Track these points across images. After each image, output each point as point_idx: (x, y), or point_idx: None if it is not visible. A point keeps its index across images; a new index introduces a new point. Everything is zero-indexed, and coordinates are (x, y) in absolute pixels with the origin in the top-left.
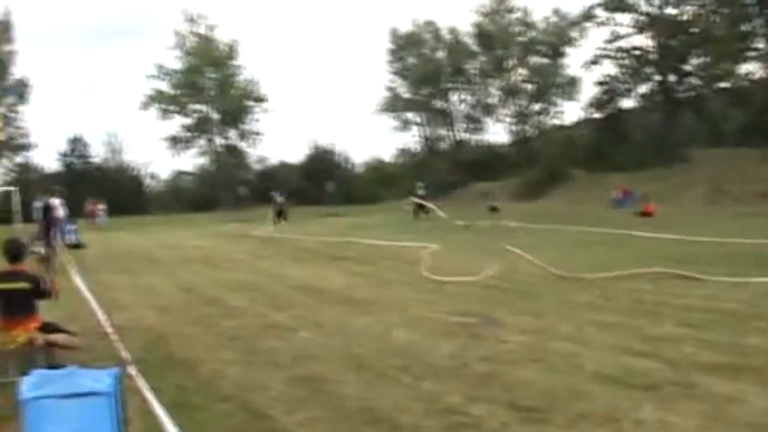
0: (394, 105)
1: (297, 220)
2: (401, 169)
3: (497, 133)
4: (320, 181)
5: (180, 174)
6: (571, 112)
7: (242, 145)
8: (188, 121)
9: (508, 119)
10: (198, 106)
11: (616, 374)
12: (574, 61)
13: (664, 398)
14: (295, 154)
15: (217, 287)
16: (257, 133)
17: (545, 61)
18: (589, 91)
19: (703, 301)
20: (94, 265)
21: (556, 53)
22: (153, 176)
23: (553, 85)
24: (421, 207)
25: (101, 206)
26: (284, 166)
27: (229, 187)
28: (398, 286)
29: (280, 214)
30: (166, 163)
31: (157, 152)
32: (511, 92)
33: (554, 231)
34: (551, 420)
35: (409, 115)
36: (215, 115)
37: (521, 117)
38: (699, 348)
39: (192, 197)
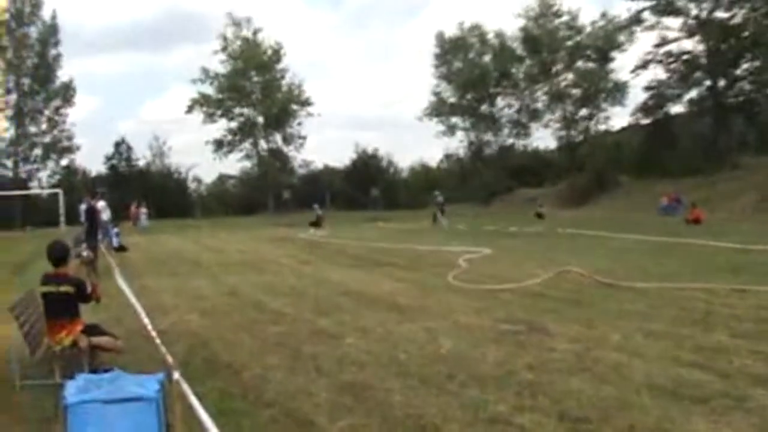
0: (439, 109)
1: (341, 224)
2: (447, 175)
3: (543, 138)
4: (365, 185)
5: (224, 177)
6: (618, 117)
7: (286, 148)
8: (233, 124)
9: (554, 124)
10: (242, 110)
11: (667, 385)
12: (622, 66)
13: (715, 410)
14: (340, 158)
15: (260, 291)
16: (301, 137)
17: (592, 65)
18: (637, 96)
19: (755, 311)
20: (138, 269)
21: (604, 58)
22: (197, 180)
23: (600, 90)
24: (441, 213)
25: (144, 209)
26: (328, 171)
27: (272, 191)
28: (444, 292)
29: (316, 224)
30: (211, 166)
31: (203, 156)
32: (557, 97)
33: (601, 238)
34: (600, 431)
35: (455, 120)
36: (260, 119)
37: (568, 122)
38: (752, 359)
39: (236, 200)
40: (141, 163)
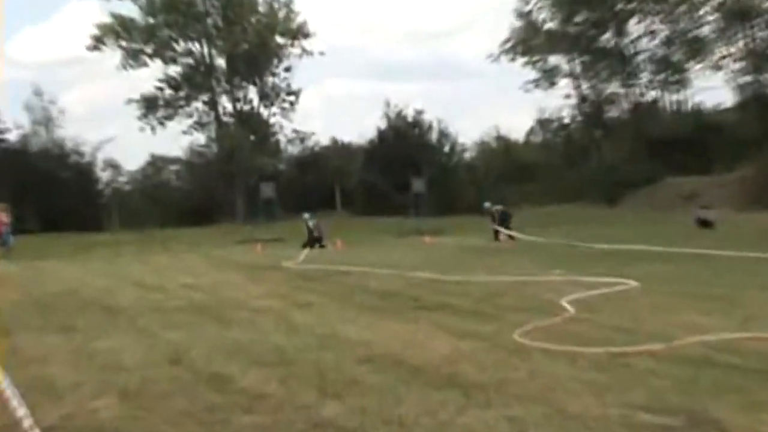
0: (528, 43)
1: (360, 239)
2: (541, 154)
3: (713, 90)
4: (400, 174)
5: (160, 162)
6: None
7: (267, 112)
8: (173, 70)
9: (733, 66)
10: (190, 45)
11: None
12: None
13: None
14: (359, 128)
15: (223, 357)
16: (292, 92)
17: None
18: None
19: None
20: (3, 319)
21: None
22: (113, 165)
23: None
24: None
25: (4, 216)
26: (339, 150)
27: (243, 185)
28: (539, 357)
29: (312, 243)
30: (137, 143)
31: (121, 125)
32: (740, 15)
33: None
34: None
35: (555, 61)
36: (220, 61)
37: (758, 60)
38: None
39: (180, 201)
40: (10, 136)
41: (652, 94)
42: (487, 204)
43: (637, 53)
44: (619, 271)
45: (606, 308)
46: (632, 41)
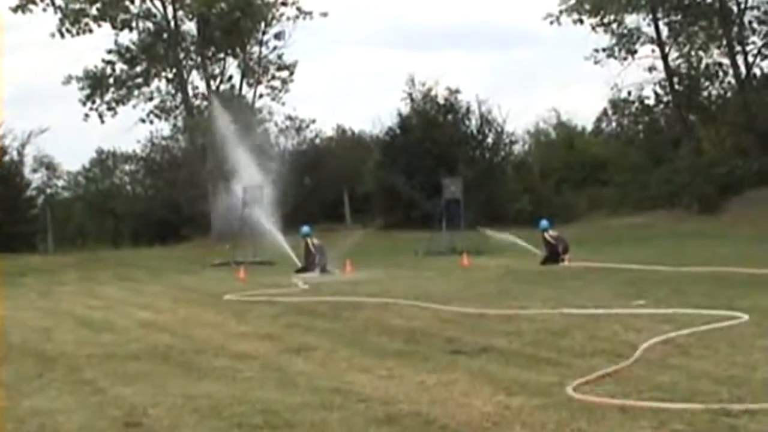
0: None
1: (375, 260)
2: (618, 148)
3: None
4: (429, 175)
5: (108, 160)
6: None
7: (252, 93)
8: (128, 37)
9: None
10: (148, 4)
11: None
12: None
13: None
14: (374, 114)
15: (195, 419)
16: (285, 67)
17: None
18: None
19: None
20: None
21: None
22: (47, 165)
23: None
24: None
25: None
26: (349, 143)
27: (219, 190)
28: (618, 417)
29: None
30: (79, 136)
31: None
32: None
33: None
34: None
35: (634, 22)
36: (189, 25)
37: None
38: None
39: (136, 213)
40: None
41: (765, 66)
42: (544, 223)
43: (744, 10)
44: (724, 301)
45: (705, 351)
46: None
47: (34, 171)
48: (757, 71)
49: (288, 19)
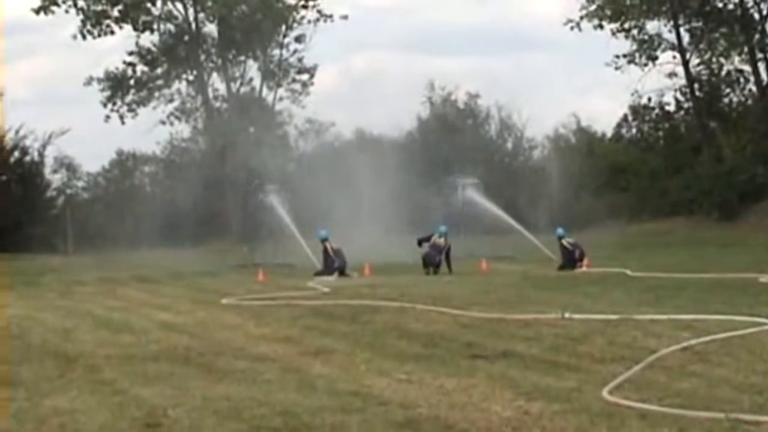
0: (619, 4)
1: (395, 266)
2: (639, 154)
3: None
4: (448, 179)
5: (130, 162)
6: None
7: (272, 96)
8: (149, 39)
9: None
10: (170, 6)
11: None
12: None
13: None
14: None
15: (214, 420)
16: (305, 70)
17: None
18: None
19: None
20: None
21: None
22: (67, 166)
23: None
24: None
25: None
26: (367, 144)
27: (239, 192)
28: (638, 422)
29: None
30: (100, 138)
31: (77, 113)
32: None
33: None
34: None
35: (655, 28)
36: (210, 27)
37: None
38: None
39: (155, 214)
40: None
41: None
42: (560, 231)
43: (766, 17)
44: (745, 308)
45: (727, 358)
46: (761, 0)
47: (55, 172)
48: None
49: (309, 21)
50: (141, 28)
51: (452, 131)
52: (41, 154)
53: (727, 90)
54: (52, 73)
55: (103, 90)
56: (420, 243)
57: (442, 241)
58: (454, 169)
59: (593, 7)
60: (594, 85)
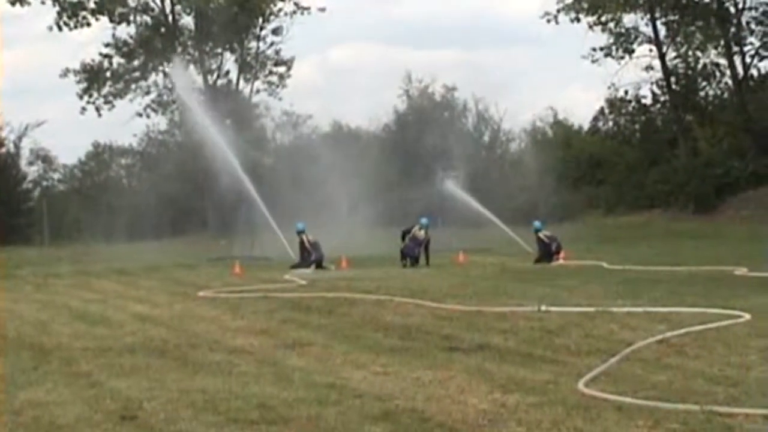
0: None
1: (373, 258)
2: (615, 147)
3: None
4: (425, 172)
5: (104, 154)
6: None
7: (249, 88)
8: (126, 31)
9: None
10: None
11: None
12: None
13: None
14: (371, 110)
15: (190, 413)
16: (282, 62)
17: None
18: None
19: None
20: None
21: None
22: (43, 157)
23: None
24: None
25: None
26: (345, 137)
27: (213, 187)
28: (613, 415)
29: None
30: (76, 129)
31: (53, 105)
32: None
33: None
34: None
35: (632, 21)
36: (187, 19)
37: None
38: None
39: (131, 206)
40: None
41: (763, 66)
42: (537, 224)
43: (742, 10)
44: (720, 301)
45: (702, 350)
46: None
47: (31, 164)
48: (754, 72)
49: (286, 14)
50: (117, 20)
51: (429, 123)
52: (17, 146)
53: (704, 83)
54: (28, 65)
55: (79, 82)
56: (404, 236)
57: (422, 233)
58: (431, 162)
59: (570, 0)
60: (571, 79)
